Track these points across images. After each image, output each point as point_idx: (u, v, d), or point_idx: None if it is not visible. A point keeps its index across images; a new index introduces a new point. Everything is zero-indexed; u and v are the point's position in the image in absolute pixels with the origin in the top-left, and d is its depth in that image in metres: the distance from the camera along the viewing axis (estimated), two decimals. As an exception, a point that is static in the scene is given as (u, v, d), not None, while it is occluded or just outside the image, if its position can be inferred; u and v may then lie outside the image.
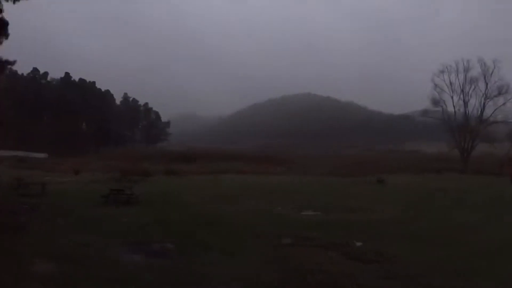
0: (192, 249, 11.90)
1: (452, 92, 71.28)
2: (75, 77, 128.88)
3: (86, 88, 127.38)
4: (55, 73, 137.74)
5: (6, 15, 20.62)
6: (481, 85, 69.09)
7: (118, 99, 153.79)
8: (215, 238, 13.34)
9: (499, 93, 66.80)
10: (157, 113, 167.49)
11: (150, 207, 19.98)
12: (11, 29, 22.06)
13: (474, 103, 70.74)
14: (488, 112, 68.80)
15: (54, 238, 12.66)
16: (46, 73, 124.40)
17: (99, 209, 18.83)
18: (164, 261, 10.72)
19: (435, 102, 72.17)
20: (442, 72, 71.44)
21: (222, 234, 14.05)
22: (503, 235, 15.59)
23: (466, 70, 70.00)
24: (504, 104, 66.71)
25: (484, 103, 69.09)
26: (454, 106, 71.97)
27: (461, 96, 70.97)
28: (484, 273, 10.43)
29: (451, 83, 71.24)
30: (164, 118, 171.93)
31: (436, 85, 71.88)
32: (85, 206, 19.80)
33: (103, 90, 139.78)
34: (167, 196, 24.62)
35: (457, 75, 70.74)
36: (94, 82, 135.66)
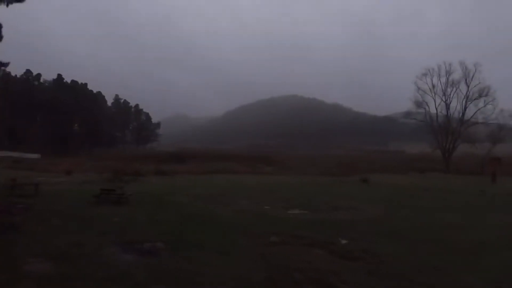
0: (182, 248, 11.89)
1: (435, 94, 72.18)
2: (68, 79, 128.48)
3: (78, 90, 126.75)
4: (48, 75, 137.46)
5: (-1, 18, 20.54)
6: (463, 87, 69.97)
7: (109, 101, 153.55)
8: (205, 237, 13.34)
9: (480, 96, 67.73)
10: (147, 115, 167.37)
11: (142, 206, 19.92)
12: (4, 31, 22.00)
13: (455, 105, 71.72)
14: (469, 113, 69.69)
15: (48, 238, 12.60)
16: (39, 75, 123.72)
17: (92, 209, 18.74)
18: (155, 260, 10.70)
19: (418, 104, 73.05)
20: (425, 75, 72.35)
21: (212, 233, 14.07)
22: (485, 233, 15.80)
23: (448, 73, 70.94)
24: (484, 106, 67.61)
25: (465, 105, 70.02)
26: (436, 108, 72.83)
27: (443, 98, 71.83)
28: (465, 270, 10.60)
29: (433, 86, 72.15)
30: (154, 120, 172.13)
31: (419, 88, 72.78)
32: (78, 206, 19.71)
33: (94, 91, 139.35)
34: (158, 196, 24.55)
35: (439, 78, 71.69)
36: (86, 84, 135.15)
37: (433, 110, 72.97)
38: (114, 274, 9.26)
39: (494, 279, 10.01)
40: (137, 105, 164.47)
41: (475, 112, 68.82)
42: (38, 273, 9.20)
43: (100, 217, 16.66)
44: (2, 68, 27.46)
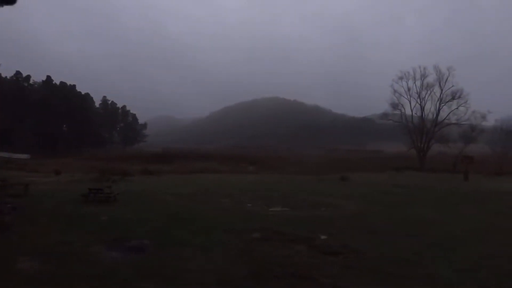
0: (168, 245, 11.86)
1: (410, 96, 72.95)
2: (57, 80, 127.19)
3: (67, 91, 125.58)
4: (38, 76, 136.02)
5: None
6: (437, 90, 70.85)
7: (97, 102, 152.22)
8: (189, 234, 13.32)
9: (453, 98, 68.68)
10: (134, 116, 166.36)
11: (128, 205, 19.81)
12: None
13: (430, 107, 72.55)
14: (442, 115, 70.58)
15: (38, 237, 12.50)
16: (28, 76, 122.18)
17: (80, 208, 18.59)
18: (142, 256, 10.69)
19: (394, 106, 73.76)
20: (401, 78, 73.04)
21: (196, 230, 14.03)
22: (457, 227, 16.01)
23: (423, 76, 71.83)
24: (457, 108, 68.58)
25: (439, 107, 70.93)
26: (411, 110, 73.59)
27: (418, 100, 72.67)
28: (439, 262, 10.75)
29: (409, 89, 72.91)
30: (141, 120, 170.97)
31: (395, 90, 73.48)
32: (67, 205, 19.54)
33: (83, 93, 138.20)
34: (144, 194, 24.43)
35: (415, 81, 72.50)
36: (74, 85, 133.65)
37: (408, 112, 73.89)
38: (103, 271, 9.23)
39: (466, 269, 10.20)
40: (124, 106, 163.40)
41: (449, 113, 69.94)
42: (29, 271, 9.15)
43: (88, 216, 16.55)
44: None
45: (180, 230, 13.95)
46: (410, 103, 73.16)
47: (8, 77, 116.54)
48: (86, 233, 13.19)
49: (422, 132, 70.74)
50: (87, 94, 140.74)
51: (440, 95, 70.42)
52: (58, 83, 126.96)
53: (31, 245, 11.41)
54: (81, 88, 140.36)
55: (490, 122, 68.45)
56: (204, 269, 9.65)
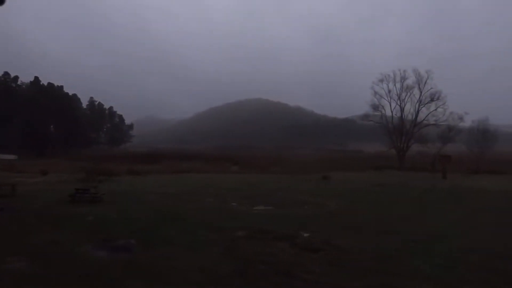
0: (154, 244, 11.83)
1: (390, 98, 73.78)
2: (44, 81, 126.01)
3: (54, 92, 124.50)
4: (25, 77, 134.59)
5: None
6: (416, 92, 71.82)
7: (84, 103, 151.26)
8: (175, 233, 13.30)
9: (431, 100, 69.76)
10: (121, 116, 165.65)
11: (115, 205, 19.72)
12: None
13: (409, 108, 73.59)
14: (421, 116, 71.53)
15: (25, 237, 12.40)
16: (16, 77, 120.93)
17: (67, 208, 18.48)
18: (128, 256, 10.65)
19: (375, 107, 74.49)
20: (381, 80, 73.86)
21: (182, 229, 14.01)
22: (435, 223, 16.23)
23: (403, 79, 72.77)
24: (435, 109, 69.68)
25: (418, 109, 71.92)
26: (391, 111, 74.41)
27: (398, 102, 73.53)
28: (418, 257, 10.88)
29: (389, 91, 73.76)
30: (127, 121, 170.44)
31: (375, 92, 74.22)
32: (54, 205, 19.43)
33: (70, 94, 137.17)
34: (130, 194, 24.35)
35: (395, 83, 73.38)
36: (62, 86, 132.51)
37: (388, 113, 74.69)
38: (90, 271, 9.17)
39: (446, 264, 10.33)
40: (111, 107, 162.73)
41: (427, 114, 70.96)
42: (17, 271, 9.05)
43: (75, 216, 16.45)
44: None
45: (166, 229, 13.92)
46: (390, 105, 74.15)
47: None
48: (73, 233, 13.10)
49: (401, 133, 71.63)
50: (75, 95, 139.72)
51: (419, 97, 71.59)
52: (45, 84, 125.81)
53: (18, 245, 11.32)
54: (69, 89, 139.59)
55: (467, 123, 69.61)
56: (190, 267, 9.64)
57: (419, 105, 71.57)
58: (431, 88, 70.15)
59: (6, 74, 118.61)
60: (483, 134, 68.40)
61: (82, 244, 11.64)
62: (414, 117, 72.15)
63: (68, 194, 21.21)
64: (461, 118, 67.89)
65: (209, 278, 8.94)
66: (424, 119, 71.11)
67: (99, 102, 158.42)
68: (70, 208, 18.66)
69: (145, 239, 12.41)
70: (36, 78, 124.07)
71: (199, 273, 9.21)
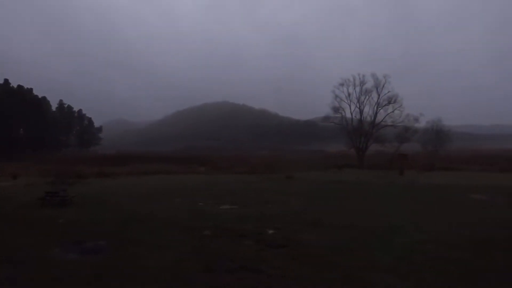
0: (123, 245, 11.77)
1: (350, 101, 74.81)
2: (14, 83, 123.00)
3: (24, 95, 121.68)
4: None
5: None
6: (374, 95, 73.14)
7: (54, 106, 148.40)
8: (144, 234, 13.25)
9: (389, 103, 71.21)
10: (90, 119, 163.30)
11: (84, 207, 19.47)
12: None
13: (368, 110, 75.09)
14: (379, 118, 72.83)
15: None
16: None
17: (37, 212, 18.16)
18: (99, 257, 10.58)
19: (336, 109, 75.35)
20: (342, 84, 74.78)
21: (150, 230, 13.95)
22: (394, 218, 16.55)
23: (362, 83, 73.97)
24: (393, 111, 71.01)
25: (376, 111, 73.13)
26: (351, 113, 75.39)
27: (357, 104, 74.59)
28: (377, 250, 11.18)
29: (349, 94, 74.72)
30: (96, 124, 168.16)
31: (336, 95, 75.04)
32: (24, 209, 19.05)
33: (40, 96, 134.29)
34: (99, 197, 24.01)
35: (354, 87, 74.45)
36: (31, 89, 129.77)
37: (348, 115, 75.63)
38: (61, 273, 9.10)
39: (402, 255, 10.69)
40: (80, 110, 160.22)
41: (385, 116, 72.26)
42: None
43: (45, 219, 16.19)
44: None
45: (135, 230, 13.84)
46: (350, 107, 75.26)
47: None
48: (44, 236, 12.93)
49: (361, 133, 72.81)
50: (44, 98, 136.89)
51: (377, 100, 72.88)
52: (15, 86, 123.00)
53: (-12, 250, 11.10)
54: (38, 92, 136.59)
55: (422, 123, 71.08)
56: (159, 266, 9.65)
57: (377, 108, 72.98)
58: (389, 91, 71.74)
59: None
60: (437, 134, 69.86)
61: (52, 247, 11.50)
62: (372, 118, 73.56)
63: (38, 198, 20.82)
64: (416, 119, 69.58)
65: (178, 275, 8.99)
66: (382, 121, 72.57)
67: (69, 105, 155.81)
68: (40, 211, 18.35)
69: (114, 240, 12.33)
70: (6, 80, 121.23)
71: (168, 271, 9.24)
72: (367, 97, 74.05)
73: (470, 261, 10.29)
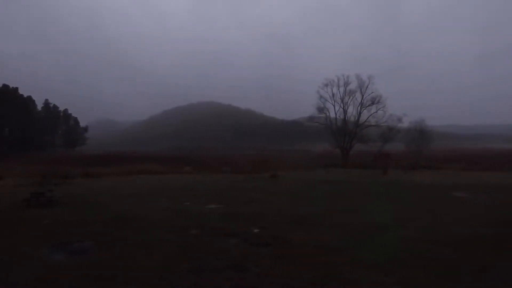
0: (110, 245, 11.69)
1: (334, 101, 75.52)
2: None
3: (9, 94, 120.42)
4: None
5: None
6: (358, 96, 74.01)
7: (39, 105, 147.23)
8: (130, 234, 13.17)
9: (372, 103, 72.18)
10: (76, 119, 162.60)
11: (71, 208, 19.26)
12: None
13: (352, 110, 75.63)
14: (363, 118, 73.65)
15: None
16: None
17: (22, 213, 17.92)
18: (85, 258, 10.50)
19: (320, 109, 75.95)
20: (326, 85, 75.38)
21: (137, 230, 13.86)
22: (377, 216, 16.67)
23: (346, 84, 74.75)
24: (376, 111, 72.05)
25: (360, 111, 74.02)
26: (335, 113, 76.05)
27: (342, 105, 75.31)
28: (361, 247, 11.28)
29: (333, 94, 75.41)
30: (82, 124, 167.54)
31: (321, 96, 75.65)
32: (9, 210, 18.80)
33: (25, 96, 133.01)
34: (86, 197, 23.80)
35: (339, 88, 75.13)
36: (17, 88, 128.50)
37: (333, 115, 76.29)
38: (47, 275, 9.02)
39: (385, 252, 10.80)
40: (66, 110, 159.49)
41: (368, 116, 73.16)
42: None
43: (31, 220, 16.01)
44: None
45: (121, 231, 13.75)
46: (334, 107, 76.02)
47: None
48: (29, 237, 12.79)
49: (345, 133, 73.49)
50: (29, 97, 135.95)
51: (361, 100, 73.76)
52: (0, 86, 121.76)
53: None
54: (24, 91, 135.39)
55: (405, 123, 71.93)
56: (146, 267, 9.62)
57: (361, 108, 73.81)
58: (372, 92, 72.70)
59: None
60: (420, 134, 70.47)
61: (38, 248, 11.38)
62: (356, 118, 74.32)
63: (23, 199, 20.59)
64: (399, 120, 70.59)
65: (165, 275, 8.97)
66: (365, 121, 73.39)
67: (54, 105, 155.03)
68: (25, 212, 18.13)
69: (101, 240, 12.25)
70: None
71: (154, 272, 9.22)
72: (351, 97, 74.87)
73: (453, 257, 10.45)
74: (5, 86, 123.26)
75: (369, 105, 72.85)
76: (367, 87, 73.00)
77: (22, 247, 11.50)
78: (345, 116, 75.43)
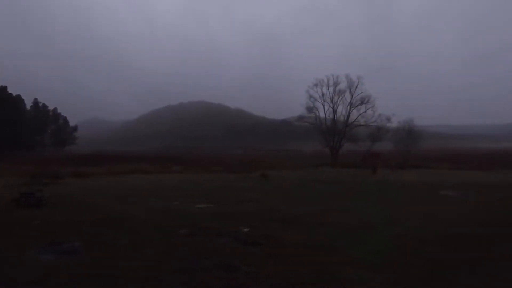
0: (99, 246, 11.58)
1: (324, 101, 75.91)
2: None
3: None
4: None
5: None
6: (348, 96, 74.34)
7: (28, 104, 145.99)
8: (120, 234, 13.06)
9: (362, 103, 72.81)
10: (65, 118, 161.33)
11: (60, 208, 19.07)
12: None
13: (341, 110, 76.23)
14: (352, 117, 74.10)
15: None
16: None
17: (11, 213, 17.72)
18: (75, 258, 10.40)
19: (310, 109, 76.24)
20: (316, 85, 75.78)
21: (126, 230, 13.75)
22: (367, 215, 16.74)
23: (335, 84, 75.28)
24: (365, 111, 72.65)
25: (349, 111, 74.50)
26: (325, 113, 76.46)
27: (331, 104, 75.67)
28: (352, 246, 11.28)
29: (323, 94, 75.84)
30: (72, 123, 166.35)
31: (310, 95, 76.00)
32: (-3, 210, 18.68)
33: (14, 95, 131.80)
34: (75, 197, 23.60)
35: (328, 87, 75.68)
36: (6, 87, 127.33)
37: (322, 115, 76.74)
38: (37, 276, 8.88)
39: (375, 251, 10.81)
40: (55, 109, 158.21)
41: (358, 116, 73.82)
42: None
43: (20, 220, 15.81)
44: None
45: (110, 231, 13.63)
46: (323, 107, 76.35)
47: None
48: (19, 238, 12.62)
49: (334, 133, 73.85)
50: (18, 96, 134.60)
51: (350, 100, 74.27)
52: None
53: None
54: (12, 90, 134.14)
55: (394, 123, 72.33)
56: (135, 266, 9.53)
57: (350, 108, 74.33)
58: (361, 92, 73.33)
59: None
60: (409, 134, 70.87)
61: (27, 249, 11.24)
62: (345, 118, 74.76)
63: (12, 199, 20.38)
64: (388, 119, 71.05)
65: (154, 275, 8.89)
66: (355, 120, 73.95)
67: (43, 104, 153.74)
68: (15, 212, 17.93)
69: (90, 241, 12.13)
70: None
71: (144, 272, 9.12)
72: (341, 97, 75.38)
73: (441, 255, 10.49)
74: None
75: (358, 105, 73.60)
76: (356, 87, 73.66)
77: (11, 247, 11.35)
78: (334, 115, 75.98)
